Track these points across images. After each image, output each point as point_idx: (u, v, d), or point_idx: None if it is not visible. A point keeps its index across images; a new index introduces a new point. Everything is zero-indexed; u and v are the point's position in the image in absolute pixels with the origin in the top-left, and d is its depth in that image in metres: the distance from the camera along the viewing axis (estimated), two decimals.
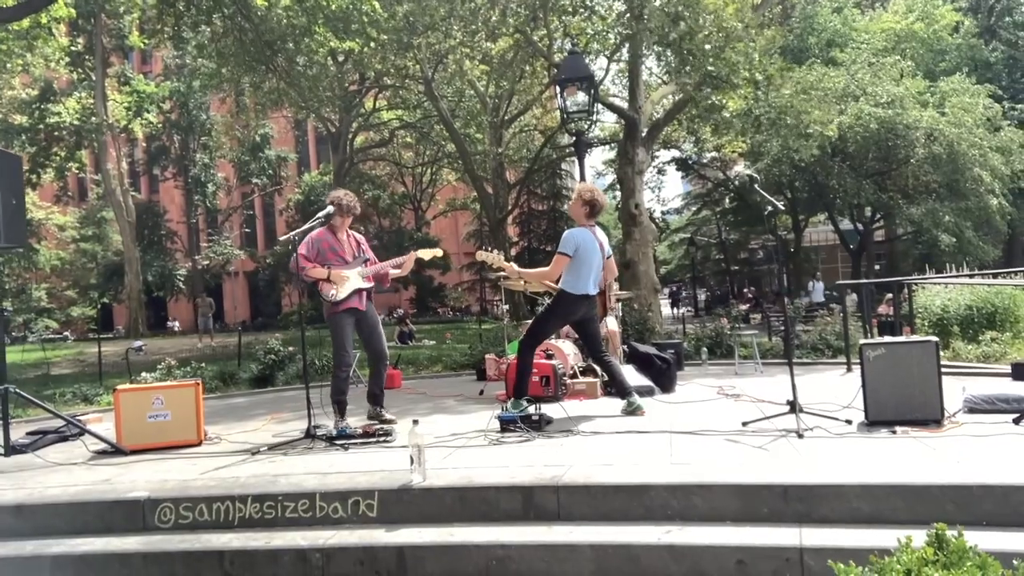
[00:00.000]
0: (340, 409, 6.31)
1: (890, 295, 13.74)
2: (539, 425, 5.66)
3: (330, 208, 6.32)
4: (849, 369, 8.81)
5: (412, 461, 4.33)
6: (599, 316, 6.97)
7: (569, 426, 5.68)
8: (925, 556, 2.05)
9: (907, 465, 4.05)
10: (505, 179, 30.61)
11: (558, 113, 15.63)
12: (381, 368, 6.63)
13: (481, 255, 6.87)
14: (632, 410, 6.23)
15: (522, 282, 8.41)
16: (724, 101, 14.80)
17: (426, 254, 6.80)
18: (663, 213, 47.12)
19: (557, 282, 6.41)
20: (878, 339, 5.70)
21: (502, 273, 7.13)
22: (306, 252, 6.20)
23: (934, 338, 5.22)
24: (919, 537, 2.34)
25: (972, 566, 1.99)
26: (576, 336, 8.67)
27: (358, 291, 6.33)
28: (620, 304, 10.14)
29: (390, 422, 6.36)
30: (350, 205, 6.42)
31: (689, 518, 3.84)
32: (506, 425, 5.67)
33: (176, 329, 28.54)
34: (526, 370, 6.42)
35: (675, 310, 40.72)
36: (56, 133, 32.62)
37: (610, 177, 37.83)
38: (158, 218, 46.82)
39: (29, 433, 6.65)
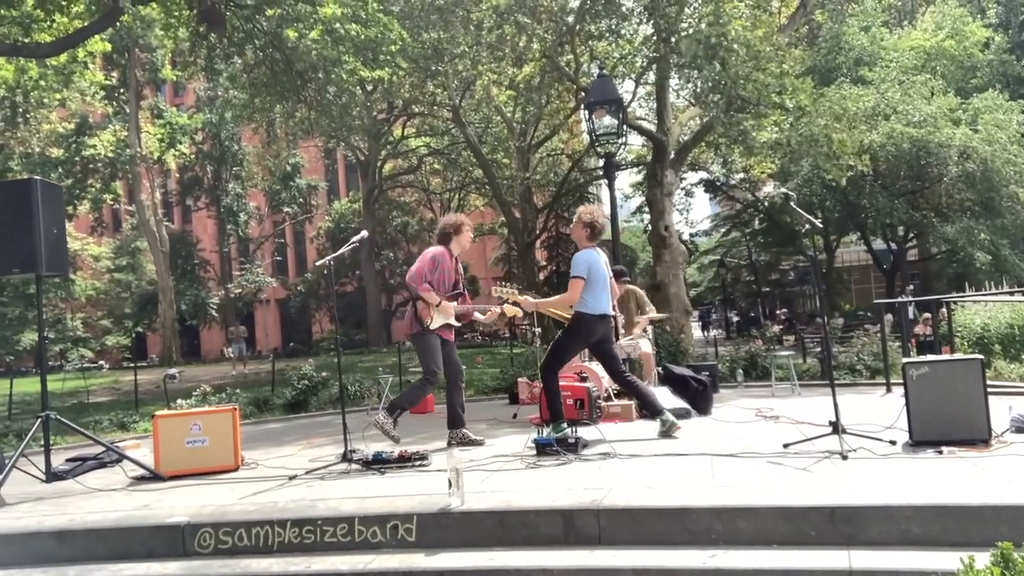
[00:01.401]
0: (398, 415, 6.33)
1: (928, 314, 13.51)
2: (576, 448, 5.61)
3: (364, 233, 6.46)
4: (888, 390, 8.66)
5: (450, 484, 4.31)
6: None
7: (606, 449, 5.62)
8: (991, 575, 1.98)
9: (956, 486, 3.95)
10: (533, 203, 30.65)
11: (585, 136, 15.68)
12: (461, 384, 6.68)
13: (496, 291, 6.88)
14: (667, 429, 6.18)
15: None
16: (755, 128, 14.71)
17: (509, 311, 6.86)
18: (692, 235, 46.85)
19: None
20: (921, 358, 5.59)
21: (517, 305, 7.06)
22: (429, 273, 6.28)
23: (979, 356, 5.11)
24: (979, 559, 2.27)
25: None
26: None
27: (446, 325, 6.43)
28: (652, 327, 10.08)
29: (478, 443, 6.38)
30: (462, 224, 6.61)
31: (734, 542, 3.77)
32: (543, 448, 5.62)
33: (229, 355, 28.70)
34: (555, 394, 6.43)
35: (705, 333, 40.33)
36: (91, 165, 33.34)
37: (638, 199, 37.74)
38: (191, 247, 47.49)
39: (69, 460, 6.72)
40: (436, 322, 6.31)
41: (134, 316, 44.93)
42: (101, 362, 41.20)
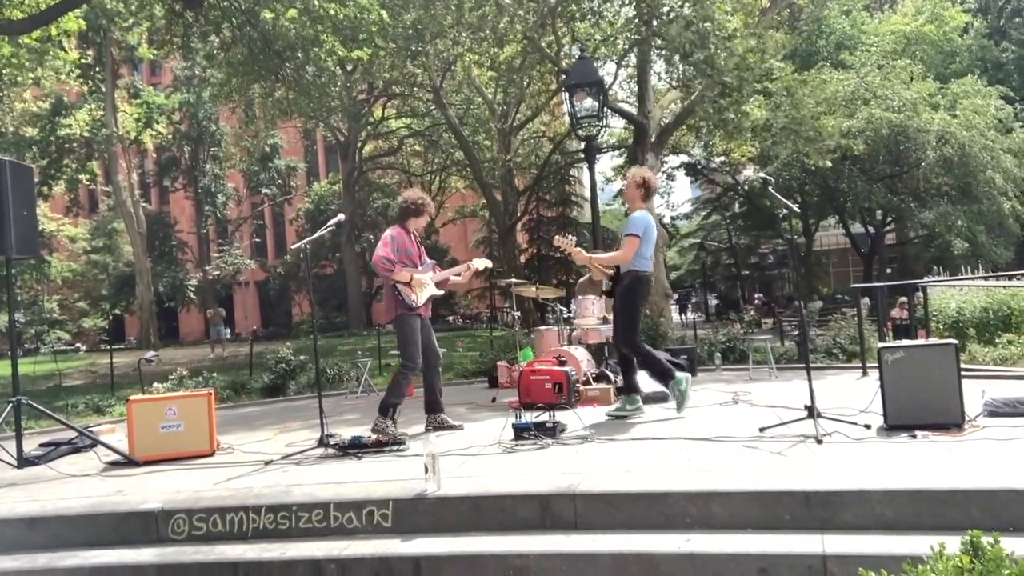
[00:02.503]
0: (393, 412, 6.21)
1: (904, 298, 13.63)
2: (553, 432, 5.61)
3: (341, 216, 6.39)
4: (865, 373, 8.73)
5: (427, 470, 4.29)
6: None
7: (584, 433, 5.62)
8: (961, 564, 1.99)
9: (930, 470, 3.98)
10: (514, 186, 30.58)
11: (567, 119, 15.61)
12: (439, 368, 6.69)
13: (558, 240, 6.88)
14: (680, 396, 6.22)
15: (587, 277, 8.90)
16: (743, 110, 14.72)
17: (480, 264, 6.85)
18: (672, 218, 46.98)
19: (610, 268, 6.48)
20: (897, 343, 5.62)
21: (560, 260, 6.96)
22: (391, 253, 6.17)
23: (953, 341, 5.15)
24: (950, 543, 2.28)
25: (1011, 575, 1.93)
26: (589, 342, 8.64)
27: (430, 297, 6.40)
28: None
29: (456, 428, 6.36)
30: (426, 205, 6.50)
31: (709, 526, 3.78)
32: (520, 433, 5.62)
33: (227, 336, 28.28)
34: (648, 355, 6.39)
35: (683, 316, 40.49)
36: (67, 145, 32.84)
37: (619, 183, 37.70)
38: (169, 229, 47.05)
39: (42, 445, 6.63)
40: (421, 297, 6.25)
41: (111, 298, 44.52)
42: (78, 344, 40.84)
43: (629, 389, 6.51)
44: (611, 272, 6.59)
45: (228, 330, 31.45)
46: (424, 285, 6.29)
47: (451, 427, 6.40)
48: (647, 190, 6.47)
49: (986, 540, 2.06)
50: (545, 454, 5.13)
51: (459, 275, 6.70)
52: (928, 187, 25.66)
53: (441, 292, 6.56)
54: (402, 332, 6.27)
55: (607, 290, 6.73)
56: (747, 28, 13.94)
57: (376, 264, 6.18)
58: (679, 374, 6.28)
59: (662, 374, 6.33)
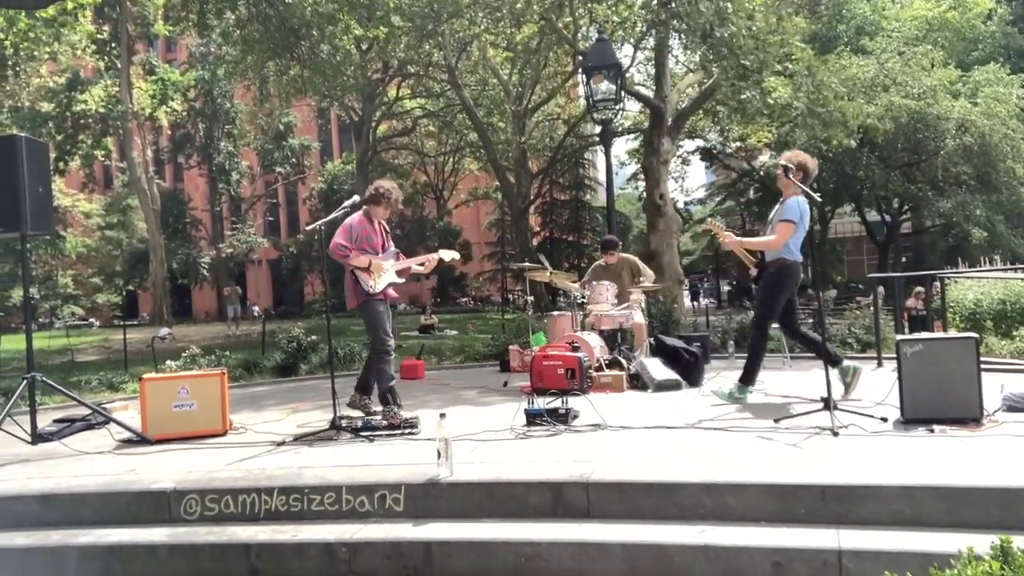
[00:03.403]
0: (394, 398, 6.16)
1: (920, 288, 13.50)
2: (566, 419, 5.59)
3: (356, 198, 6.35)
4: (880, 364, 8.64)
5: (439, 455, 4.27)
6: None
7: (596, 420, 5.58)
8: (990, 571, 1.94)
9: (948, 466, 3.92)
10: (528, 168, 30.47)
11: (582, 102, 15.49)
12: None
13: (709, 223, 6.65)
14: (851, 379, 6.07)
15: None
16: (764, 91, 14.52)
17: (447, 255, 6.86)
18: (687, 203, 46.71)
19: (755, 254, 6.25)
20: (915, 335, 5.55)
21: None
22: (347, 239, 6.15)
23: (974, 335, 5.08)
24: (969, 541, 2.23)
25: None
26: (602, 328, 8.60)
27: (391, 284, 6.36)
28: (645, 297, 10.04)
29: (375, 415, 6.26)
30: (396, 199, 6.46)
31: (723, 518, 3.75)
32: (533, 418, 5.60)
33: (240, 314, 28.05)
34: (759, 353, 6.25)
35: (695, 303, 40.30)
36: (82, 121, 32.87)
37: (633, 167, 37.51)
38: (182, 206, 47.18)
39: (56, 421, 6.66)
40: (380, 283, 6.20)
41: (125, 274, 44.75)
42: (92, 320, 41.11)
43: (832, 363, 6.05)
44: (755, 259, 6.35)
45: (242, 308, 31.54)
46: (383, 271, 6.24)
47: (370, 412, 6.32)
48: (805, 174, 6.11)
49: (1017, 545, 2.01)
50: (557, 441, 5.11)
51: (422, 264, 6.66)
52: (946, 176, 25.40)
53: (402, 280, 6.53)
54: (368, 317, 6.26)
55: (754, 277, 6.43)
56: (767, 7, 13.76)
57: (332, 250, 6.15)
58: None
59: (747, 374, 6.21)
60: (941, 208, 25.68)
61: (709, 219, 6.65)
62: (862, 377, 6.16)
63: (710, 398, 6.61)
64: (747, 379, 6.20)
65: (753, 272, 6.45)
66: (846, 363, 6.16)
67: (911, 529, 3.50)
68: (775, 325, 6.61)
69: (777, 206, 6.28)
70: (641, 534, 3.71)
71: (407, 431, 5.62)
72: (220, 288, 42.15)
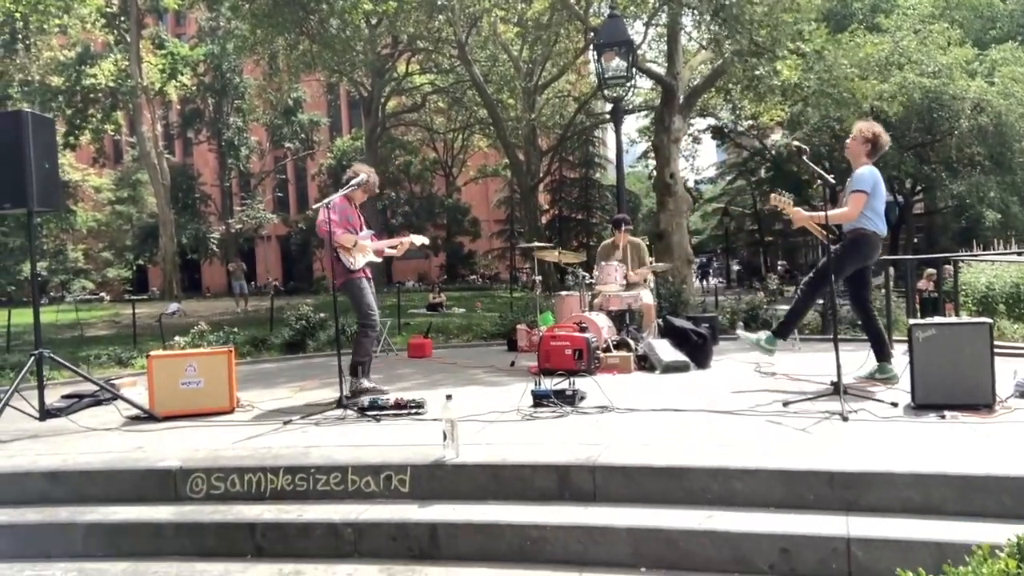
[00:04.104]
0: (364, 370, 6.43)
1: (932, 270, 13.38)
2: (573, 400, 5.56)
3: (364, 176, 6.36)
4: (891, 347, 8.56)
5: (445, 436, 4.25)
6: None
7: (603, 402, 5.55)
8: (1007, 569, 1.90)
9: (959, 453, 3.88)
10: (537, 146, 30.29)
11: (593, 79, 15.32)
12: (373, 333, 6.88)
13: (775, 198, 6.26)
14: (887, 377, 5.90)
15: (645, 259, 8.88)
16: (775, 70, 14.36)
17: (417, 239, 7.04)
18: (697, 182, 46.45)
19: (825, 227, 5.86)
20: (928, 320, 5.48)
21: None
22: (336, 217, 6.27)
23: (988, 320, 5.02)
24: (981, 531, 2.19)
25: None
26: (611, 308, 8.55)
27: (369, 263, 6.60)
28: (654, 277, 9.98)
29: (382, 392, 6.40)
30: (376, 183, 6.81)
31: (731, 503, 3.72)
32: (540, 400, 5.57)
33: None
34: (802, 311, 6.19)
35: (704, 283, 40.18)
36: (92, 95, 32.81)
37: (644, 145, 37.26)
38: (192, 181, 47.20)
39: (64, 396, 6.68)
40: (359, 261, 6.44)
41: (135, 249, 44.89)
42: (102, 294, 41.28)
43: (881, 356, 6.04)
44: (832, 235, 6.02)
45: (248, 284, 31.56)
46: (365, 250, 6.50)
47: (377, 391, 6.43)
48: (875, 146, 5.91)
49: None
50: (564, 423, 5.08)
51: (394, 248, 6.87)
52: (960, 156, 25.12)
53: (379, 259, 6.84)
54: (352, 294, 6.49)
55: (834, 250, 6.03)
56: None
57: (320, 229, 6.30)
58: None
59: (785, 327, 6.15)
60: (954, 189, 25.43)
61: (774, 195, 6.30)
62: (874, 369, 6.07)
63: (719, 380, 6.56)
64: (781, 332, 6.10)
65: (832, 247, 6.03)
66: (892, 367, 5.97)
67: (921, 517, 3.46)
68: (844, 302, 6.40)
69: (849, 179, 5.98)
70: (647, 518, 3.68)
71: (414, 410, 5.60)
72: (228, 264, 42.27)
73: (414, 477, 4.18)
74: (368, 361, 6.55)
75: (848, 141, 6.14)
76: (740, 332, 6.10)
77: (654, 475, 3.93)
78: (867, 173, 5.86)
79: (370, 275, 6.68)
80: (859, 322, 6.93)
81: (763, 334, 6.15)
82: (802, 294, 6.21)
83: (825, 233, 5.86)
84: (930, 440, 4.17)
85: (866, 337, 6.31)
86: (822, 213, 5.75)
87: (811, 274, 6.23)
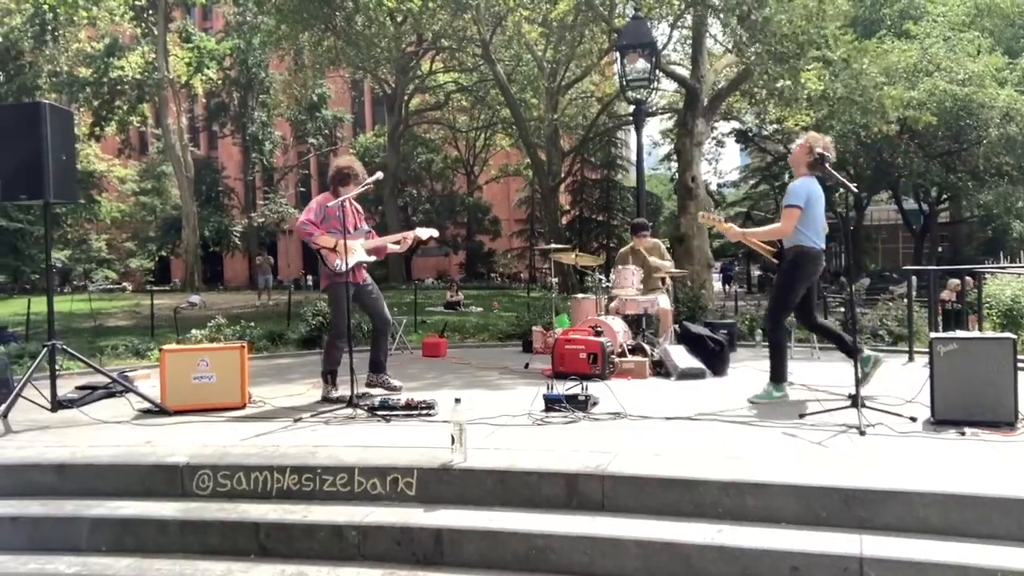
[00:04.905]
0: (333, 379, 6.32)
1: (956, 281, 13.17)
2: (585, 405, 5.49)
3: (379, 174, 6.32)
4: (911, 358, 8.43)
5: (453, 440, 4.20)
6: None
7: (616, 408, 5.48)
8: None
9: (979, 472, 3.77)
10: (559, 146, 30.18)
11: (616, 80, 15.23)
12: (388, 333, 6.80)
13: (703, 215, 6.39)
14: (869, 369, 5.70)
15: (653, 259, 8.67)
16: (794, 82, 14.20)
17: (424, 233, 6.72)
18: (719, 186, 46.11)
19: (772, 244, 5.87)
20: (950, 334, 5.36)
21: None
22: (313, 217, 6.11)
23: (1012, 336, 4.89)
24: (1001, 555, 2.10)
25: None
26: (627, 313, 8.47)
27: (360, 264, 6.35)
28: (671, 282, 9.88)
29: (396, 389, 6.42)
30: (360, 173, 6.35)
31: (742, 518, 3.64)
32: (551, 404, 5.51)
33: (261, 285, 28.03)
34: (780, 349, 5.90)
35: (727, 287, 39.88)
36: (119, 87, 33.09)
37: (666, 147, 37.05)
38: (216, 174, 47.50)
39: (78, 388, 6.69)
40: (348, 262, 6.08)
41: (158, 240, 45.24)
42: (124, 284, 41.67)
43: (850, 354, 5.71)
44: (773, 249, 6.01)
45: (274, 279, 31.72)
46: (352, 251, 6.12)
47: (391, 388, 6.44)
48: (818, 160, 5.56)
49: None
50: (575, 429, 5.02)
51: (398, 243, 6.57)
52: (988, 166, 24.74)
53: (374, 259, 6.48)
54: (330, 300, 6.41)
55: (777, 265, 6.03)
56: None
57: (298, 229, 6.19)
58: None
59: (776, 372, 5.86)
60: (981, 199, 25.07)
61: (703, 214, 6.28)
62: (882, 369, 5.89)
63: (735, 389, 6.46)
64: (776, 377, 5.88)
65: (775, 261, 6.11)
66: (867, 352, 5.83)
67: (938, 538, 3.37)
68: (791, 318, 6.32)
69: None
70: (657, 531, 3.61)
71: (424, 412, 5.56)
72: (251, 257, 42.46)
73: (421, 480, 4.13)
74: (337, 369, 6.31)
75: (793, 147, 6.00)
76: (749, 400, 5.83)
77: (664, 486, 3.86)
78: (800, 186, 5.69)
79: (366, 279, 6.44)
80: (817, 335, 6.80)
81: (768, 387, 5.91)
82: (770, 334, 6.05)
83: (769, 249, 5.85)
84: (949, 457, 4.07)
85: (862, 345, 6.14)
86: (756, 230, 5.79)
87: (766, 313, 6.14)
